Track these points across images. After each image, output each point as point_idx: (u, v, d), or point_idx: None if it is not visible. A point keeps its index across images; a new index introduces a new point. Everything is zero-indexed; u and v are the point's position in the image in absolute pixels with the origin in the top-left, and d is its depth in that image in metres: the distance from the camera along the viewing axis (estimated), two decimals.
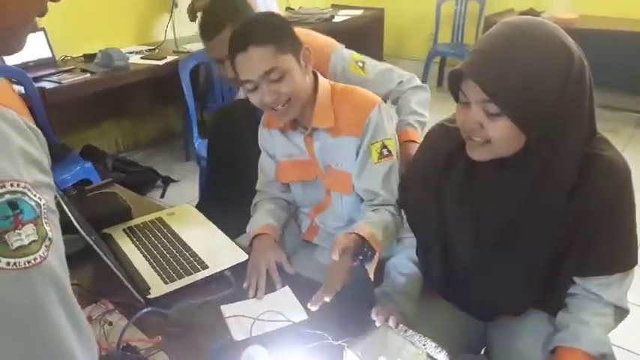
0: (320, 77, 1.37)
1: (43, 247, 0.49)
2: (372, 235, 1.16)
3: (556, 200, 1.02)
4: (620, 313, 1.08)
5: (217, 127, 2.41)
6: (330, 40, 1.73)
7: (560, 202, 1.01)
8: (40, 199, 0.50)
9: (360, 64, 1.67)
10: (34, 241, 0.49)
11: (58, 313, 0.51)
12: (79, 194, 1.51)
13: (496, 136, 0.97)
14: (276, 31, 1.24)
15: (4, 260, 0.47)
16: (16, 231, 0.47)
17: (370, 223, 1.21)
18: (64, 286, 0.52)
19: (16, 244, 0.47)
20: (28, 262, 0.48)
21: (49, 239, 0.50)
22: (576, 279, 1.08)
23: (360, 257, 1.14)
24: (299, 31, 1.81)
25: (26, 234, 0.48)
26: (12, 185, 0.47)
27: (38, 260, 0.49)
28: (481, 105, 0.95)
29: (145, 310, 1.04)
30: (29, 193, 0.49)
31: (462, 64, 0.96)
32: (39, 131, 0.53)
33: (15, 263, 0.47)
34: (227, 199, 2.13)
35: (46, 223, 0.50)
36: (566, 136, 0.96)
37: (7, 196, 0.47)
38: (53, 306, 0.51)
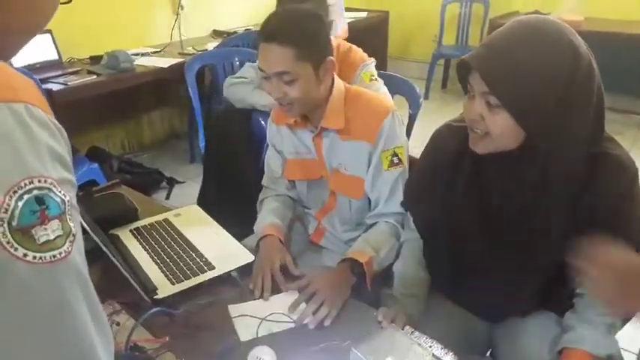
0: (336, 79, 1.37)
1: (68, 242, 0.50)
2: (370, 259, 1.25)
3: (562, 198, 1.02)
4: None
5: (214, 129, 2.47)
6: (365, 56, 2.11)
7: (567, 201, 1.02)
8: (65, 196, 0.51)
9: (373, 78, 2.01)
10: (59, 236, 0.50)
11: (81, 306, 0.52)
12: (86, 195, 1.52)
13: (495, 129, 0.98)
14: (306, 38, 1.22)
15: (31, 254, 0.48)
16: (43, 226, 0.49)
17: (368, 247, 1.29)
18: (86, 281, 0.53)
19: (42, 239, 0.48)
20: (54, 256, 0.49)
21: (73, 235, 0.51)
22: None
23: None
24: (343, 45, 2.06)
25: (52, 229, 0.49)
26: (40, 181, 0.49)
27: (63, 255, 0.50)
28: (484, 97, 0.97)
29: (153, 310, 1.04)
30: (55, 190, 0.50)
31: (468, 55, 0.98)
32: (63, 130, 0.54)
33: (41, 257, 0.48)
34: (221, 198, 2.17)
35: (69, 219, 0.51)
36: (567, 137, 0.97)
37: (35, 192, 0.48)
38: (77, 300, 0.52)
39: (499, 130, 0.98)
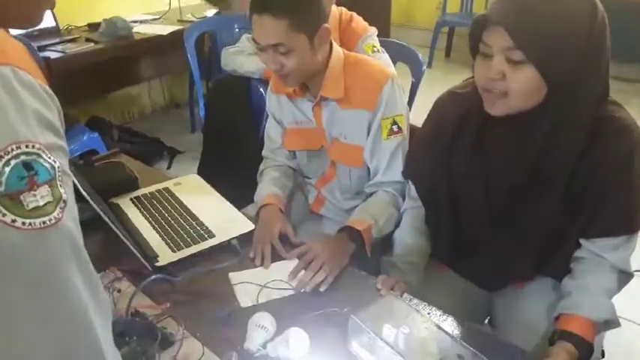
0: (335, 46, 1.34)
1: (58, 209, 0.50)
2: (369, 227, 1.25)
3: (565, 162, 1.02)
4: (625, 277, 1.08)
5: (213, 99, 2.45)
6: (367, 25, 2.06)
7: (570, 164, 1.01)
8: (55, 162, 0.50)
9: (376, 49, 1.96)
10: (49, 202, 0.49)
11: (74, 273, 0.52)
12: (86, 164, 1.52)
13: (517, 86, 0.96)
14: (299, 7, 1.19)
15: (20, 220, 0.47)
16: (32, 192, 0.48)
17: (366, 215, 1.29)
18: (79, 247, 0.53)
19: (31, 205, 0.48)
20: (44, 222, 0.49)
21: (64, 201, 0.51)
22: (582, 241, 1.09)
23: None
24: (345, 13, 2.00)
25: (41, 195, 0.49)
26: (27, 146, 0.48)
27: (53, 221, 0.49)
28: (505, 53, 0.95)
29: (154, 277, 1.05)
30: (44, 155, 0.49)
31: (488, 10, 0.96)
32: (54, 96, 0.53)
33: (30, 223, 0.48)
34: (221, 167, 2.18)
35: (60, 185, 0.51)
36: (584, 90, 0.96)
37: (23, 157, 0.47)
38: (69, 266, 0.51)
39: (521, 87, 0.96)
